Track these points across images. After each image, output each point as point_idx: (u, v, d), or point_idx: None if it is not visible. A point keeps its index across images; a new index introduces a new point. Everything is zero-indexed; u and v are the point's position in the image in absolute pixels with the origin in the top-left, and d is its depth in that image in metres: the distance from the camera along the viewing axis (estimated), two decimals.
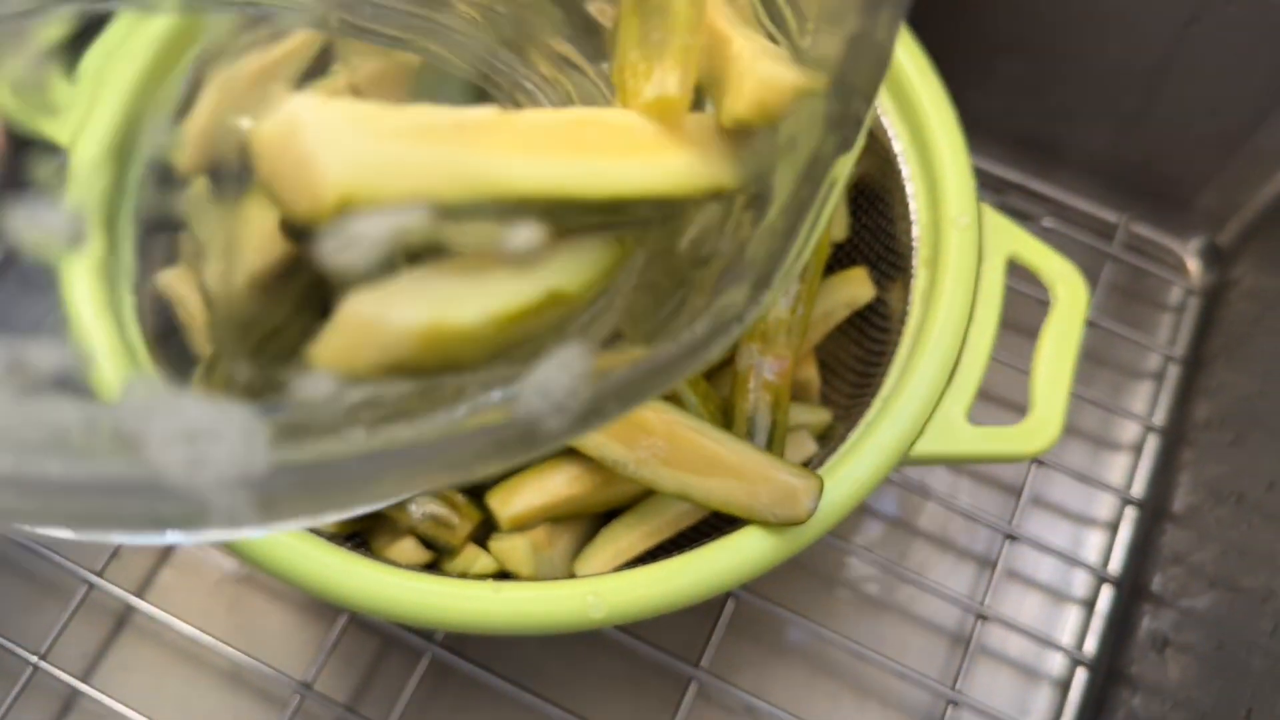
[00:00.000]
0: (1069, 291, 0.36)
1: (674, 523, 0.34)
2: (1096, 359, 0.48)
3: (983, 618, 0.42)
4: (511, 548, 0.32)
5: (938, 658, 0.43)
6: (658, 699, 0.41)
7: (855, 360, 0.39)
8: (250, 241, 0.22)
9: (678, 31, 0.21)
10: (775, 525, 0.30)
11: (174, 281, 0.28)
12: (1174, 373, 0.48)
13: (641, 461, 0.31)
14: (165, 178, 0.27)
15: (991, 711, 0.40)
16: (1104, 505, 0.46)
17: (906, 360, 0.33)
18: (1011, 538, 0.43)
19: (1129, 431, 0.47)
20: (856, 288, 0.38)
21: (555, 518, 0.34)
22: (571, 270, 0.20)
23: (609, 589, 0.29)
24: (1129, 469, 0.46)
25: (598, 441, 0.31)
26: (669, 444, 0.31)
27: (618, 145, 0.20)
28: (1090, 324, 0.48)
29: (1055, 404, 0.34)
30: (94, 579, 0.41)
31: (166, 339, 0.28)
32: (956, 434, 0.33)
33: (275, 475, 0.16)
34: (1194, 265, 0.50)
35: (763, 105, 0.20)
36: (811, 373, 0.39)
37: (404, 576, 0.29)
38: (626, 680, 0.42)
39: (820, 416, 0.37)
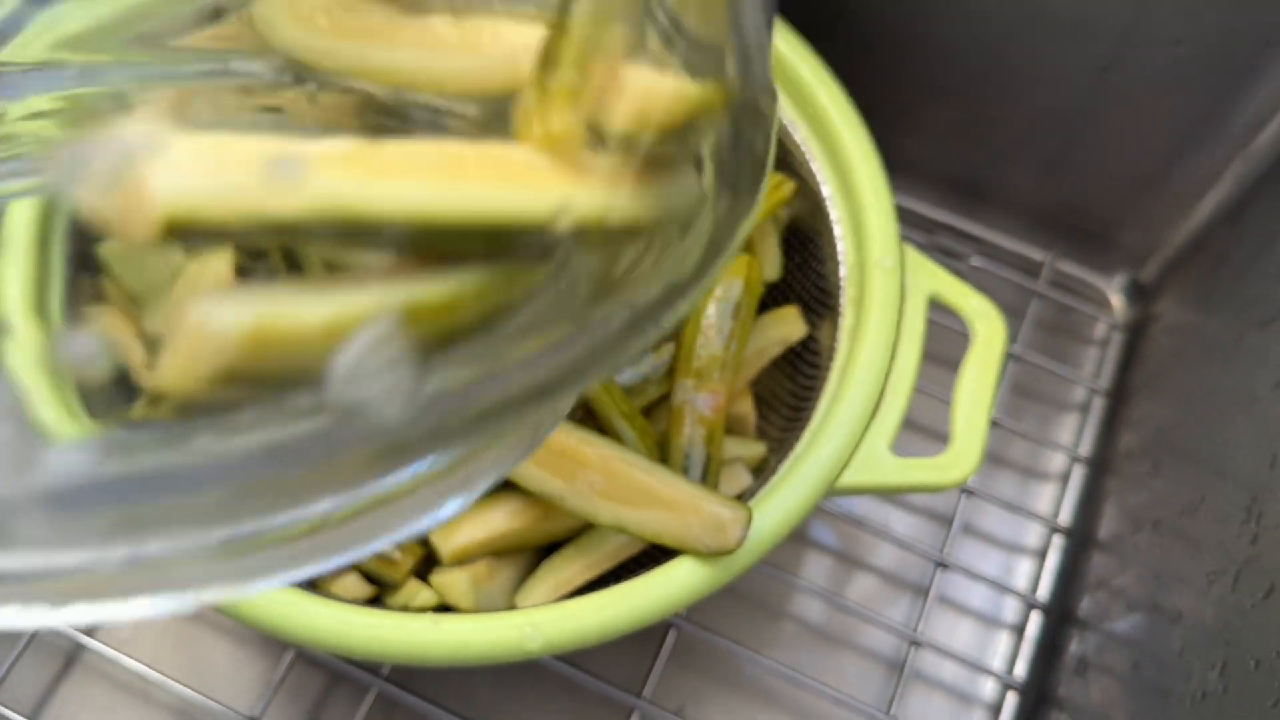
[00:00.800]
0: (987, 328, 0.37)
1: (613, 555, 0.35)
2: (1024, 392, 0.50)
3: (917, 644, 0.43)
4: (452, 582, 0.33)
5: (874, 683, 0.44)
6: None
7: (789, 394, 0.40)
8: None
9: (568, 69, 0.20)
10: (707, 555, 0.31)
11: (109, 324, 0.28)
12: (1099, 405, 0.50)
13: (579, 494, 0.32)
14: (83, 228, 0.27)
15: None
16: (1032, 533, 0.47)
17: (834, 395, 0.35)
18: (944, 566, 0.45)
19: (1056, 462, 0.49)
20: (789, 325, 0.40)
21: (496, 551, 0.35)
22: (431, 287, 0.19)
23: (545, 620, 0.30)
24: (1056, 498, 0.48)
25: (537, 476, 0.32)
26: (605, 478, 0.32)
27: (492, 173, 0.19)
28: (1018, 358, 0.49)
29: (974, 436, 0.36)
30: None
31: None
32: (880, 465, 0.35)
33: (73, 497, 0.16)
34: (1117, 301, 0.53)
35: (642, 115, 0.20)
36: (747, 407, 0.40)
37: (347, 611, 0.30)
38: (571, 711, 0.42)
39: (755, 450, 0.39)
